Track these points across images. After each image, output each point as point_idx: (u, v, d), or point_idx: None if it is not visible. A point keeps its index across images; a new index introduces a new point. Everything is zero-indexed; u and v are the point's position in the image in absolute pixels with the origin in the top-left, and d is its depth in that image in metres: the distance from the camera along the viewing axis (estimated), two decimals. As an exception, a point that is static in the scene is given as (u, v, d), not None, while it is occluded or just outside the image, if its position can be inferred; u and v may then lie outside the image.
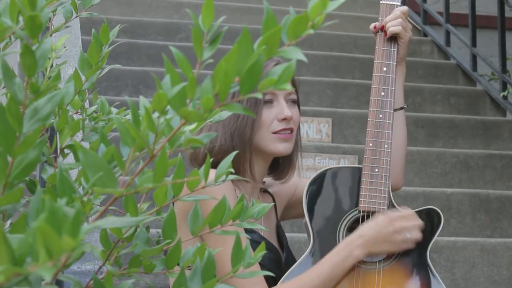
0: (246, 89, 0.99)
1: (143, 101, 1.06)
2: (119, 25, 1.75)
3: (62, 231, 0.73)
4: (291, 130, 2.36)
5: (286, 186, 2.52)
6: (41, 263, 0.71)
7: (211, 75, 1.01)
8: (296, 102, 2.42)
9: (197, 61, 1.04)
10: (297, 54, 1.00)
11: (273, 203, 1.86)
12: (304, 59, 1.00)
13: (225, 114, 1.58)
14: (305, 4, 1.09)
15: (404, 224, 2.26)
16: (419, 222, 2.29)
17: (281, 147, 2.35)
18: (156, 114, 1.08)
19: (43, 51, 0.99)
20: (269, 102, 2.36)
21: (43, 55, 0.99)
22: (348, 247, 2.24)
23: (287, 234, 2.56)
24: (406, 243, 2.27)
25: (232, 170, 1.31)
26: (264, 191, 2.52)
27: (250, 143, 2.33)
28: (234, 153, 1.40)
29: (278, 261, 2.35)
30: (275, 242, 2.45)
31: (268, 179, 2.54)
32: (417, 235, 2.28)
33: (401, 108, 2.46)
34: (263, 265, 2.27)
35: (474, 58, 5.74)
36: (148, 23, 5.83)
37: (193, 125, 1.22)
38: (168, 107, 1.07)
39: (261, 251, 1.32)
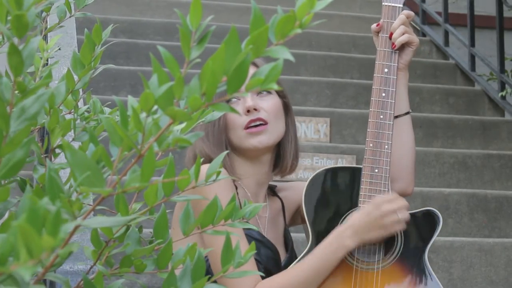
0: (233, 88, 0.99)
1: (131, 100, 1.06)
2: (111, 24, 1.75)
3: (43, 230, 0.73)
4: (261, 120, 2.35)
5: (296, 191, 2.50)
6: (22, 262, 0.71)
7: (198, 74, 1.01)
8: (271, 92, 2.41)
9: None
10: (285, 54, 1.00)
11: (263, 204, 1.85)
12: (291, 58, 1.00)
13: (218, 114, 1.58)
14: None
15: (390, 207, 2.26)
16: (404, 202, 2.29)
17: (255, 142, 2.34)
18: (145, 114, 1.08)
19: (30, 50, 0.99)
20: (237, 98, 2.37)
21: (30, 55, 0.98)
22: (339, 239, 2.24)
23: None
24: (397, 225, 2.27)
25: (222, 170, 1.31)
26: (273, 194, 2.51)
27: (221, 143, 2.34)
28: (225, 152, 1.40)
29: (277, 259, 2.35)
30: (281, 244, 2.44)
31: (279, 183, 2.54)
32: (406, 214, 2.28)
33: (407, 113, 2.46)
34: (260, 262, 2.27)
35: (472, 58, 5.73)
36: (146, 23, 5.83)
37: (183, 125, 1.22)
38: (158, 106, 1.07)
39: (251, 251, 1.32)
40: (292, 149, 2.42)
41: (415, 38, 2.40)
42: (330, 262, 2.24)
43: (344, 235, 2.24)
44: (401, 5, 2.43)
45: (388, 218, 2.25)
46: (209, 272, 2.20)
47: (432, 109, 5.44)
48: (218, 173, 1.33)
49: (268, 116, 2.36)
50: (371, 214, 2.24)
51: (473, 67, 5.75)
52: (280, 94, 2.42)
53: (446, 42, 6.08)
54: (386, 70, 2.39)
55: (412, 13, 2.45)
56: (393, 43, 2.39)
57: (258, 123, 2.34)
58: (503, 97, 5.41)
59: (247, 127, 2.34)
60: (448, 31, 6.04)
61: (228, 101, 2.35)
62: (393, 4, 2.43)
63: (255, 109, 2.34)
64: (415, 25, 6.46)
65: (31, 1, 0.97)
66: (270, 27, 1.02)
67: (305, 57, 5.62)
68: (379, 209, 2.25)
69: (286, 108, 2.44)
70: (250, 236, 2.27)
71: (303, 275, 2.22)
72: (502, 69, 5.41)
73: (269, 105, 2.37)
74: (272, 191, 2.51)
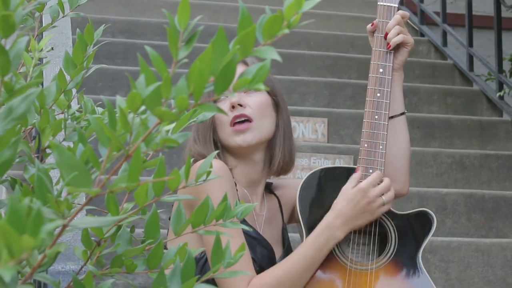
0: (220, 88, 0.99)
1: (119, 100, 1.06)
2: (104, 24, 1.75)
3: (23, 230, 0.73)
4: (245, 116, 2.34)
5: (292, 189, 2.50)
6: (3, 262, 0.71)
7: (185, 74, 1.01)
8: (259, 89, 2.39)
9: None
10: (272, 54, 1.00)
11: (253, 205, 1.83)
12: (279, 58, 1.00)
13: (209, 114, 1.58)
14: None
15: (377, 191, 2.27)
16: (388, 182, 2.29)
17: (239, 140, 2.34)
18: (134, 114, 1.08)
19: (18, 50, 0.99)
20: (224, 96, 2.36)
21: (18, 55, 0.98)
22: (329, 230, 2.24)
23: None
24: (383, 207, 2.28)
25: (213, 170, 1.31)
26: (270, 192, 2.51)
27: (208, 141, 2.34)
28: (215, 152, 1.40)
29: (272, 258, 2.35)
30: (278, 243, 2.44)
31: (276, 180, 2.54)
32: (391, 195, 2.28)
33: (402, 114, 2.46)
34: (255, 260, 2.27)
35: (470, 58, 5.73)
36: (145, 23, 5.83)
37: (173, 125, 1.22)
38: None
39: (241, 251, 1.32)
40: (283, 149, 2.40)
41: (410, 39, 2.40)
42: (321, 253, 2.25)
43: (334, 226, 2.24)
44: (396, 5, 2.43)
45: (375, 203, 2.26)
46: (207, 270, 2.20)
47: (430, 109, 5.44)
48: (209, 173, 1.33)
49: (253, 113, 2.35)
50: (360, 202, 2.25)
51: (471, 67, 5.75)
52: (269, 92, 2.41)
53: (444, 42, 6.07)
54: (381, 70, 2.39)
55: (407, 13, 2.44)
56: (388, 43, 2.39)
57: (242, 119, 2.34)
58: (501, 97, 5.41)
59: (233, 124, 2.34)
60: (446, 31, 6.04)
61: (216, 99, 2.34)
62: (388, 4, 2.43)
63: (240, 105, 2.34)
64: (413, 25, 6.45)
65: (18, 1, 0.97)
66: (257, 27, 1.01)
67: (303, 57, 5.62)
68: (367, 195, 2.25)
69: (277, 106, 2.42)
70: (247, 234, 2.28)
71: (295, 267, 2.23)
72: (500, 69, 5.41)
73: (255, 101, 2.36)
74: (269, 189, 2.51)
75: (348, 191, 2.27)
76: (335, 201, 2.29)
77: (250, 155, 2.37)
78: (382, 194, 2.28)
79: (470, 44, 5.71)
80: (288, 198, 2.51)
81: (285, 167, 2.42)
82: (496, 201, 4.39)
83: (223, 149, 2.38)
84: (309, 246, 2.25)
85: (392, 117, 2.41)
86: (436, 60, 6.09)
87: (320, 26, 6.27)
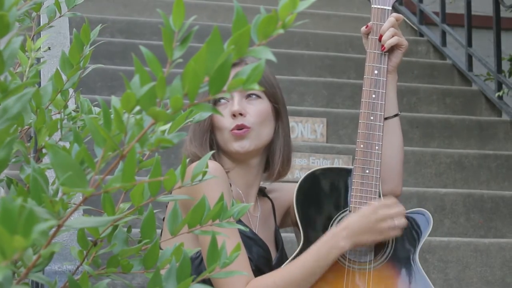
0: (215, 89, 0.99)
1: (114, 100, 1.06)
2: (100, 24, 1.75)
3: (16, 230, 0.73)
4: (244, 126, 2.33)
5: (286, 193, 2.50)
6: (-4, 263, 0.71)
7: (180, 74, 1.01)
8: (261, 96, 2.39)
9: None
10: (267, 54, 1.00)
11: (249, 205, 1.82)
12: (273, 59, 1.00)
13: (206, 114, 1.58)
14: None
15: (388, 212, 2.26)
16: (402, 208, 2.29)
17: (236, 146, 2.34)
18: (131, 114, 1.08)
19: (12, 50, 0.98)
20: (226, 99, 2.37)
21: (12, 55, 0.98)
22: (334, 239, 2.23)
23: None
24: (393, 230, 2.27)
25: (208, 170, 1.31)
26: (263, 195, 2.51)
27: (204, 143, 2.34)
28: (211, 153, 1.40)
29: (268, 259, 2.36)
30: (272, 245, 2.44)
31: (269, 185, 2.54)
32: (403, 221, 2.28)
33: (396, 115, 2.46)
34: (251, 260, 2.27)
35: (469, 58, 5.73)
36: (144, 23, 5.83)
37: (169, 125, 1.22)
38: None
39: (237, 251, 1.32)
40: (281, 156, 2.41)
41: (404, 41, 2.42)
42: (325, 261, 2.23)
43: (340, 236, 2.23)
44: (390, 8, 2.45)
45: (384, 223, 2.25)
46: (202, 270, 2.20)
47: (429, 109, 5.44)
48: (204, 173, 1.33)
49: (253, 121, 2.35)
50: (368, 217, 2.25)
51: (470, 67, 5.75)
52: (271, 99, 2.41)
53: (444, 42, 6.07)
54: (376, 72, 2.40)
55: (401, 15, 2.47)
56: (382, 45, 2.40)
57: (240, 129, 2.34)
58: (500, 97, 5.41)
59: (232, 130, 2.34)
60: (445, 31, 6.03)
61: (216, 102, 2.36)
62: (382, 7, 2.45)
63: (241, 114, 2.34)
64: (412, 25, 6.45)
65: (13, 1, 0.97)
66: (252, 27, 1.01)
67: (302, 57, 5.62)
68: (377, 213, 2.25)
69: (277, 114, 2.42)
70: (243, 234, 2.28)
71: (296, 273, 2.22)
72: (499, 69, 5.40)
73: (256, 110, 2.36)
74: (262, 192, 2.51)
75: (362, 208, 2.28)
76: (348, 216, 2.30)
77: (247, 160, 2.38)
78: (394, 218, 2.27)
79: (469, 44, 5.70)
80: (281, 201, 2.52)
81: (282, 172, 2.44)
82: (495, 201, 4.39)
83: (220, 151, 2.39)
84: (313, 254, 2.23)
85: (386, 118, 2.42)
86: (435, 60, 6.08)
87: (319, 26, 6.27)
